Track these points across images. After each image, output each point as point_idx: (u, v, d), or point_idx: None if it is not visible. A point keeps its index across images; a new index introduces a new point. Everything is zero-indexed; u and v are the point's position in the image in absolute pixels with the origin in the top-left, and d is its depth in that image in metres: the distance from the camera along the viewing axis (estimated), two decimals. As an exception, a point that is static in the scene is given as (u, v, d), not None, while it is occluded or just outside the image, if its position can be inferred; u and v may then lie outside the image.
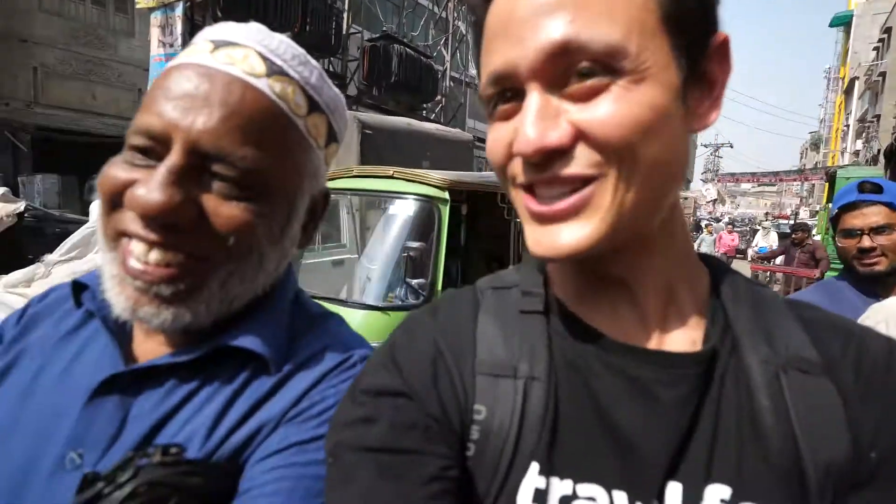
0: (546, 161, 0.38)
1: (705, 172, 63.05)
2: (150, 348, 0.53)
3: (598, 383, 0.42)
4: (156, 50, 5.96)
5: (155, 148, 0.45)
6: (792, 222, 12.46)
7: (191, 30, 6.55)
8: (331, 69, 9.58)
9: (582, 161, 0.37)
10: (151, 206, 0.43)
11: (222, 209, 0.46)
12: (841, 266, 1.60)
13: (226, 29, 0.51)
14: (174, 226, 0.44)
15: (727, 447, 0.38)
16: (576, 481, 0.40)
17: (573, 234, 0.38)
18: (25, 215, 8.17)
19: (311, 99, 0.52)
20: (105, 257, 0.49)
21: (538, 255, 0.41)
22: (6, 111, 12.85)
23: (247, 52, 0.49)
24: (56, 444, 0.47)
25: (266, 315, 0.54)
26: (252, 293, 0.53)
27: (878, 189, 1.44)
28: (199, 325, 0.49)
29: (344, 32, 9.41)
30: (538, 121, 0.37)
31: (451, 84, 11.57)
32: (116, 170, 0.47)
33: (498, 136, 0.41)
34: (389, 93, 10.08)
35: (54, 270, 4.64)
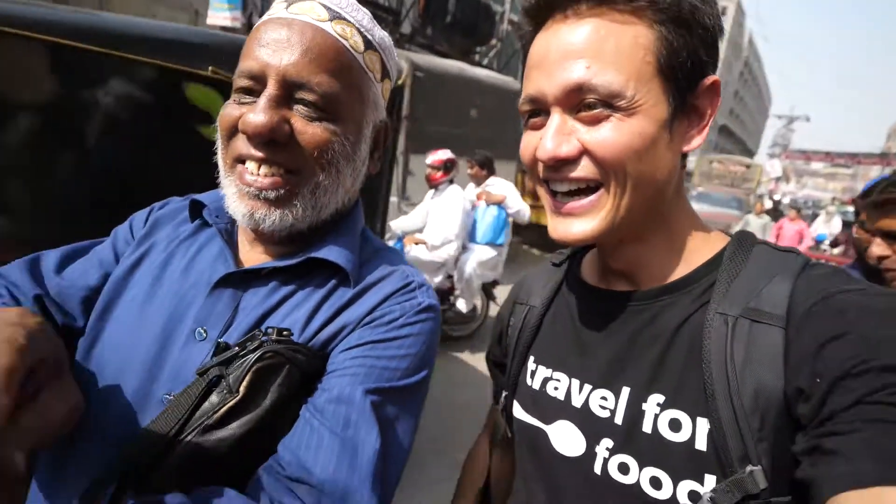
0: (559, 166, 0.53)
1: (773, 146, 58.28)
2: (252, 256, 0.67)
3: (579, 313, 0.65)
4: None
5: (255, 87, 0.58)
6: (862, 210, 10.87)
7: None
8: (386, 4, 9.19)
9: (585, 169, 0.53)
10: (258, 125, 0.55)
11: (308, 128, 0.58)
12: None
13: None
14: (274, 142, 0.57)
15: (672, 370, 0.53)
16: (553, 370, 0.65)
17: (581, 227, 0.55)
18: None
19: (365, 38, 0.63)
20: (225, 181, 0.63)
21: (554, 238, 0.58)
22: (72, 25, 13.18)
23: (312, 3, 0.60)
24: (186, 321, 0.60)
25: (344, 238, 0.66)
26: (335, 205, 0.65)
27: None
28: (298, 229, 0.63)
29: (403, -36, 8.91)
30: (555, 136, 0.52)
31: (509, 28, 10.91)
32: (230, 109, 0.60)
33: (529, 142, 0.57)
34: (444, 33, 9.62)
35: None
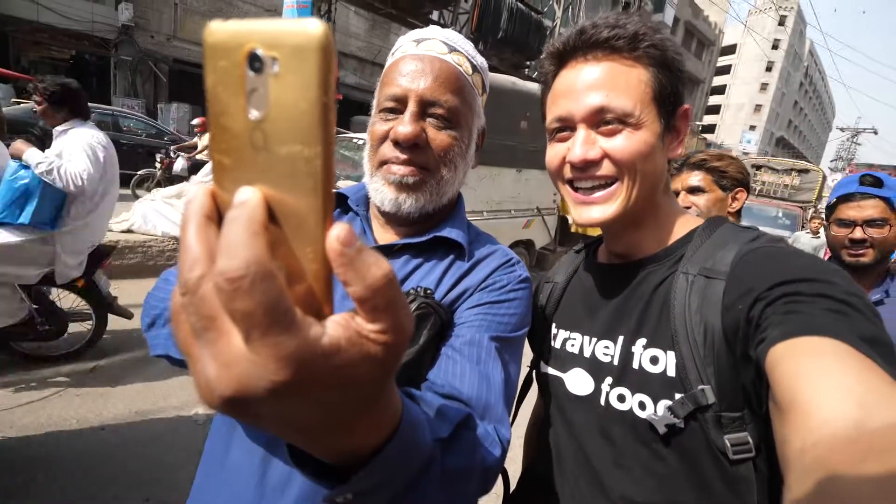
0: (585, 167, 0.69)
1: (836, 160, 54.69)
2: (385, 236, 0.81)
3: (589, 285, 0.82)
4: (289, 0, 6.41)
5: (398, 107, 0.74)
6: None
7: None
8: (441, 21, 9.56)
9: (606, 169, 0.68)
10: (407, 134, 0.71)
11: (438, 135, 0.74)
12: None
13: (419, 32, 0.80)
14: (416, 145, 0.72)
15: (652, 318, 0.68)
16: (570, 331, 0.80)
17: (601, 212, 0.70)
18: (165, 139, 9.42)
19: (472, 63, 0.79)
20: (372, 179, 0.77)
21: (578, 223, 0.73)
22: (151, 43, 14.41)
23: (434, 41, 0.77)
24: (340, 285, 0.84)
25: (458, 221, 0.82)
26: (452, 193, 0.80)
27: (878, 183, 1.48)
28: (426, 211, 0.76)
29: (458, -17, 9.22)
30: (583, 144, 0.68)
31: (583, 22, 11.05)
32: (378, 125, 0.76)
33: (556, 151, 0.74)
34: (495, 49, 9.87)
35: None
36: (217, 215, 0.25)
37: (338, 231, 0.24)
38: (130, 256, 4.65)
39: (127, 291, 4.25)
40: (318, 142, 0.23)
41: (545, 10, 11.35)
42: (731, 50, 55.07)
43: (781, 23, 52.85)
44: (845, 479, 0.29)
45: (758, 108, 55.16)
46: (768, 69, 54.29)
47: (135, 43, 14.07)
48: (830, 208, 1.57)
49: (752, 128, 53.97)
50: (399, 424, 0.35)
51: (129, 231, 4.92)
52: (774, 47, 53.55)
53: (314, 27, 0.23)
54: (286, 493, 0.63)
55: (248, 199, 0.24)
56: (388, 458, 0.34)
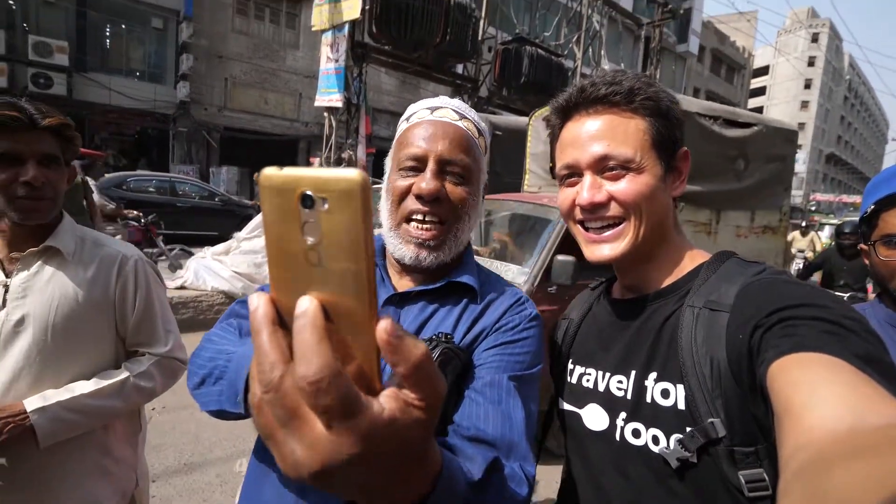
0: (593, 209, 0.75)
1: None
2: (402, 284, 0.87)
3: (602, 320, 0.85)
4: (325, 64, 6.92)
5: (418, 166, 0.82)
6: None
7: (352, 47, 7.45)
8: (465, 73, 10.00)
9: (613, 210, 0.73)
10: (431, 190, 0.79)
11: (455, 190, 0.82)
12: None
13: (433, 101, 0.89)
14: (437, 199, 0.80)
15: (661, 352, 0.70)
16: (585, 366, 0.82)
17: (611, 249, 0.75)
18: (216, 199, 10.11)
19: (477, 128, 0.88)
20: (392, 234, 0.85)
21: (590, 260, 0.78)
22: (205, 115, 15.77)
23: (447, 110, 0.87)
24: None
25: (469, 266, 0.88)
26: (466, 241, 0.88)
27: None
28: (444, 263, 0.83)
29: (479, 38, 9.73)
30: (590, 189, 0.74)
31: (583, 80, 11.31)
32: (398, 181, 0.83)
33: (567, 195, 0.80)
34: (518, 93, 10.18)
35: (242, 244, 5.80)
36: (280, 318, 0.30)
37: (385, 324, 0.28)
38: (183, 311, 4.94)
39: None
40: (363, 259, 0.28)
41: (565, 52, 11.67)
42: (764, 71, 54.07)
43: (814, 40, 51.65)
44: (837, 475, 0.29)
45: (801, 126, 53.19)
46: (807, 87, 52.69)
47: (190, 116, 15.41)
48: (868, 221, 1.11)
49: (798, 147, 51.83)
50: (440, 473, 0.38)
51: (182, 287, 5.25)
52: (810, 64, 52.17)
53: (355, 175, 0.27)
54: None
55: (307, 308, 0.28)
56: None
